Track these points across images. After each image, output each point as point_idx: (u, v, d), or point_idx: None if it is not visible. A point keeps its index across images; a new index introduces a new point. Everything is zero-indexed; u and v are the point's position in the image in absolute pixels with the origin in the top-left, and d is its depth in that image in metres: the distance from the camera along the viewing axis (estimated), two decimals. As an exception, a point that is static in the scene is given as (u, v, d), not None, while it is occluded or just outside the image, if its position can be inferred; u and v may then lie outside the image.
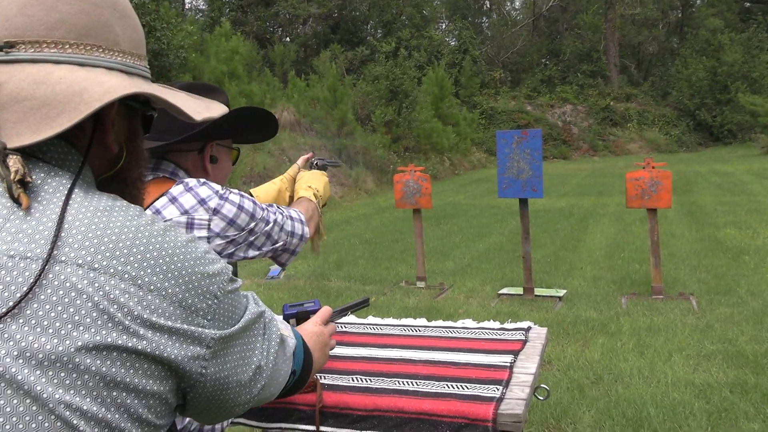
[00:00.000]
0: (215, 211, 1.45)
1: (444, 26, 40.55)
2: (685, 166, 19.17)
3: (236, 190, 1.53)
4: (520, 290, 5.99)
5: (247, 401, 0.86)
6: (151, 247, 0.73)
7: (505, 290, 6.11)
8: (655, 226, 5.67)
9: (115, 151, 0.83)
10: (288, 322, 1.31)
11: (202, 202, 1.45)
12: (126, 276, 0.70)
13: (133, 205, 0.78)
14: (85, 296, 0.67)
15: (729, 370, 4.00)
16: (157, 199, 1.45)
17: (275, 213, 1.59)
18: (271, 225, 1.56)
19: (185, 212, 1.44)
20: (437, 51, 29.36)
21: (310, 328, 1.30)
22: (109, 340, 0.67)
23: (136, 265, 0.71)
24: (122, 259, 0.70)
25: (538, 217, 10.01)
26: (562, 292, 5.92)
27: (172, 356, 0.71)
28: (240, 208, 1.48)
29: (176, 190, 1.46)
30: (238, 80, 15.66)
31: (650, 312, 5.26)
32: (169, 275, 0.73)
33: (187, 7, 34.01)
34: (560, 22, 41.25)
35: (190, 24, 15.55)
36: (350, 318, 2.49)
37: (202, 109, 0.89)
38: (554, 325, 4.93)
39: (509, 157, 5.76)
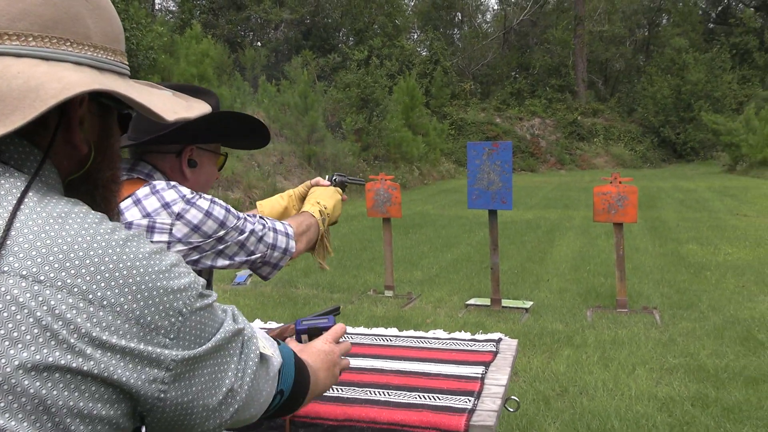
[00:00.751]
0: (179, 216, 1.39)
1: (416, 36, 40.81)
2: (649, 182, 19.56)
3: (208, 196, 1.47)
4: (487, 301, 6.03)
5: (218, 426, 0.79)
6: (107, 259, 0.66)
7: (472, 301, 6.14)
8: (620, 241, 5.76)
9: (85, 150, 0.78)
10: (300, 338, 1.28)
11: (166, 205, 1.40)
12: (75, 290, 0.63)
13: (93, 211, 0.71)
14: (26, 311, 0.61)
15: (690, 384, 4.08)
16: (124, 200, 1.40)
17: (255, 223, 1.53)
18: (246, 235, 1.48)
19: (147, 215, 1.38)
20: (409, 61, 29.53)
21: (319, 345, 1.24)
22: (51, 359, 0.61)
23: (87, 278, 0.64)
24: (72, 271, 0.64)
25: (505, 229, 10.10)
26: (528, 304, 5.98)
27: (124, 378, 0.65)
28: (207, 214, 1.42)
29: (142, 192, 1.41)
30: (207, 83, 15.52)
31: (615, 325, 5.33)
32: (126, 289, 0.66)
33: (157, 8, 33.66)
34: (530, 36, 41.85)
35: (160, 25, 15.38)
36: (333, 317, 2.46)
37: (180, 109, 0.84)
38: (521, 337, 4.97)
39: (480, 168, 5.79)
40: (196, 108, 0.89)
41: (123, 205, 1.39)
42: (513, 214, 11.76)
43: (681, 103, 31.14)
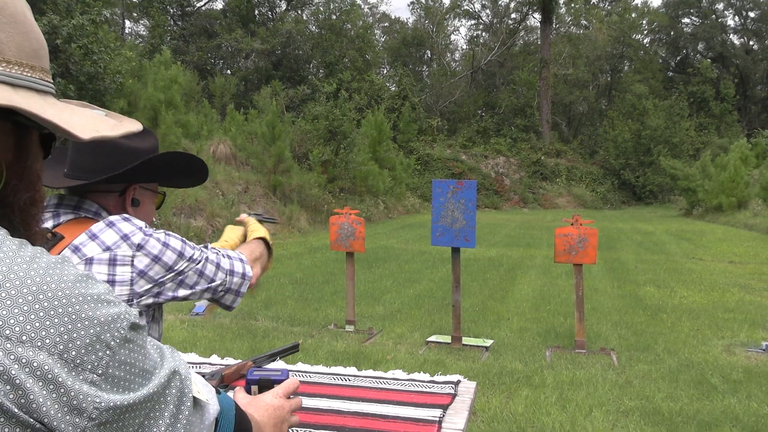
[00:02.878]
0: (139, 247, 1.40)
1: (385, 71, 41.35)
2: (609, 223, 19.95)
3: (161, 230, 1.49)
4: (448, 338, 6.02)
5: None
6: (25, 289, 0.61)
7: (433, 338, 6.13)
8: (580, 282, 5.84)
9: None
10: (249, 389, 1.21)
11: (125, 237, 1.40)
12: None
13: (12, 237, 0.67)
14: None
15: (646, 428, 4.11)
16: (78, 237, 1.40)
17: (210, 252, 1.56)
18: (202, 263, 1.50)
19: (107, 248, 1.38)
20: (377, 95, 29.86)
21: (269, 399, 1.16)
22: None
23: (3, 311, 0.59)
24: None
25: (468, 266, 10.16)
26: (489, 342, 5.99)
27: (46, 420, 0.59)
28: (165, 245, 1.43)
29: (97, 227, 1.41)
30: (175, 109, 15.44)
31: (573, 366, 5.37)
32: (48, 322, 0.60)
33: (127, 32, 33.53)
34: (497, 76, 42.78)
35: (129, 49, 15.28)
36: (278, 364, 2.43)
37: (103, 128, 0.80)
38: (480, 376, 4.97)
39: (444, 206, 5.84)
40: (124, 127, 0.85)
41: (79, 240, 1.39)
42: (476, 252, 11.85)
43: (641, 147, 32.03)
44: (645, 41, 47.29)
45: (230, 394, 1.05)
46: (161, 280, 1.42)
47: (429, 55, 46.59)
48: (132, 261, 1.39)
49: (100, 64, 12.35)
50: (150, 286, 1.41)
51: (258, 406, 1.12)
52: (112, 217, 1.44)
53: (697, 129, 34.76)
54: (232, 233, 2.02)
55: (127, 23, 33.88)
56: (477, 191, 6.07)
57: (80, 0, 12.54)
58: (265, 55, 32.71)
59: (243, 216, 2.05)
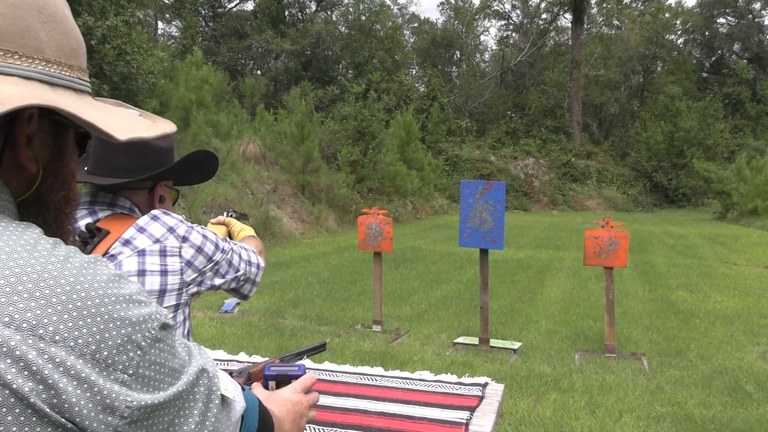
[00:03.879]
0: (184, 239, 1.48)
1: (414, 72, 41.30)
2: (640, 226, 19.65)
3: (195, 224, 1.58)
4: (475, 340, 5.98)
5: None
6: (59, 289, 0.61)
7: (460, 339, 6.09)
8: (610, 285, 5.76)
9: (33, 170, 0.74)
10: (267, 385, 1.21)
11: (171, 230, 1.48)
12: (24, 325, 0.58)
13: (46, 237, 0.67)
14: None
15: (677, 434, 4.03)
16: (128, 230, 1.47)
17: (229, 243, 1.65)
18: (230, 253, 1.60)
19: (157, 240, 1.46)
20: (406, 96, 29.81)
21: (287, 395, 1.16)
22: None
23: (38, 311, 0.59)
24: (21, 305, 0.59)
25: (496, 267, 10.08)
26: (517, 345, 5.93)
27: (78, 419, 0.59)
28: (204, 237, 1.52)
29: (143, 221, 1.49)
30: (205, 109, 15.59)
31: (603, 370, 5.29)
32: (80, 322, 0.61)
33: (159, 33, 34.00)
34: (527, 77, 42.45)
35: (161, 50, 15.48)
36: (305, 362, 2.43)
37: (139, 128, 0.81)
38: (508, 378, 4.93)
39: (472, 207, 5.80)
40: (159, 128, 0.86)
41: (128, 234, 1.46)
42: (504, 253, 11.75)
43: (674, 150, 31.49)
44: (679, 41, 46.53)
45: None
46: (203, 269, 1.52)
47: (458, 56, 46.43)
48: (180, 252, 1.47)
49: (133, 65, 12.52)
50: (195, 275, 1.50)
51: (277, 401, 1.12)
52: (154, 212, 1.52)
53: (731, 131, 34.07)
54: (217, 232, 2.09)
55: (160, 24, 34.36)
56: (506, 192, 6.01)
57: (114, 1, 12.73)
58: (294, 56, 32.91)
59: (221, 218, 2.12)
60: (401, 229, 16.51)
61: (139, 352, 0.65)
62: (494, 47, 49.81)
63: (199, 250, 1.50)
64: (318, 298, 7.88)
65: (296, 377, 1.20)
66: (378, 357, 5.39)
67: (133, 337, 0.65)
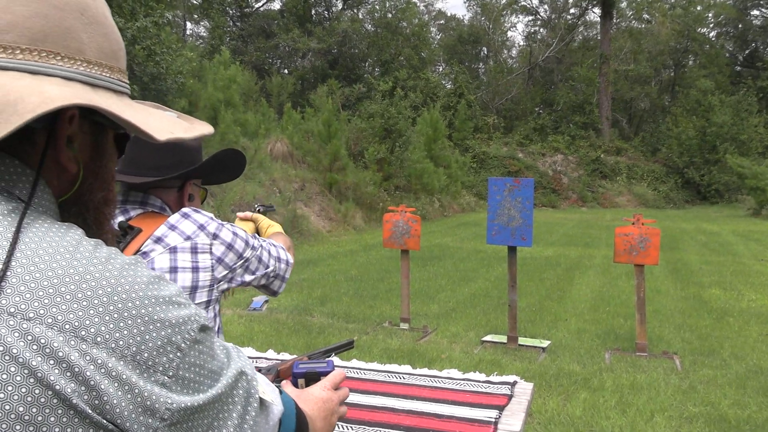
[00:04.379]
0: (215, 236, 1.50)
1: (441, 69, 41.14)
2: (671, 223, 19.34)
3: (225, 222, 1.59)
4: (503, 338, 5.94)
5: None
6: (100, 291, 0.62)
7: (488, 337, 6.06)
8: (641, 283, 5.67)
9: (74, 170, 0.75)
10: (296, 382, 1.18)
11: (201, 227, 1.50)
12: (67, 326, 0.59)
13: (87, 238, 0.68)
14: (15, 351, 0.57)
15: (711, 435, 3.96)
16: (159, 228, 1.50)
17: (258, 239, 1.66)
18: (260, 249, 1.61)
19: (188, 237, 1.48)
20: (433, 93, 29.71)
21: (317, 393, 1.13)
22: (35, 409, 0.57)
23: (80, 312, 0.60)
24: (63, 306, 0.60)
25: (524, 265, 10.00)
26: (546, 343, 5.88)
27: (119, 420, 0.60)
28: (234, 234, 1.54)
29: (174, 218, 1.51)
30: (233, 109, 15.72)
31: (633, 369, 5.22)
32: (121, 323, 0.62)
33: (188, 33, 34.37)
34: (555, 72, 42.01)
35: (189, 50, 15.64)
36: (333, 360, 2.43)
37: (177, 129, 0.81)
38: (537, 377, 4.88)
39: (500, 204, 5.76)
40: (197, 129, 0.86)
41: (160, 232, 1.48)
42: (532, 251, 11.65)
43: (706, 145, 30.89)
44: (711, 35, 45.59)
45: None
46: (234, 266, 1.53)
47: (485, 53, 46.13)
48: (210, 249, 1.49)
49: (162, 65, 12.68)
50: (226, 272, 1.52)
51: (307, 399, 1.10)
52: (185, 210, 1.54)
53: (766, 125, 33.32)
54: (246, 228, 2.08)
55: (188, 25, 34.74)
56: (534, 189, 5.96)
57: (144, 3, 12.90)
58: (321, 54, 33.01)
59: (248, 213, 2.12)
60: (428, 226, 16.47)
61: (179, 354, 0.65)
62: (521, 43, 49.43)
63: (230, 247, 1.52)
64: (345, 296, 7.90)
65: (325, 374, 1.18)
66: (405, 355, 5.38)
67: (173, 338, 0.65)
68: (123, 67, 0.80)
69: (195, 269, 1.46)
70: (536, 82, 41.80)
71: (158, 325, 0.64)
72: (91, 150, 0.77)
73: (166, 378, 0.64)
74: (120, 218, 1.51)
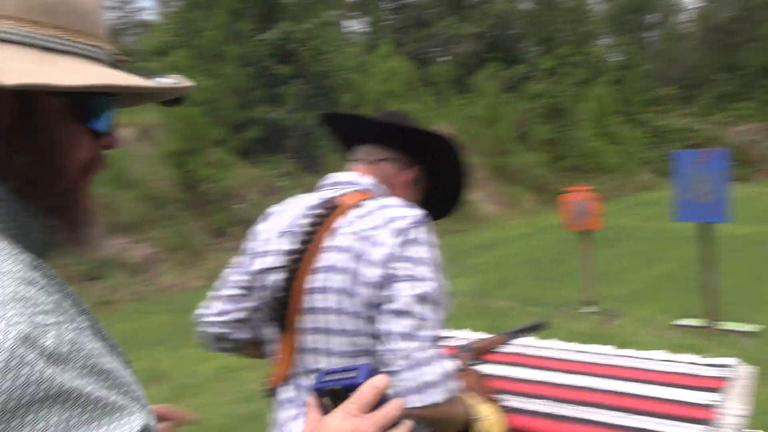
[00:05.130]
0: (413, 230, 1.27)
1: (606, 42, 39.07)
2: None
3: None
4: (700, 322, 5.51)
5: None
6: None
7: (682, 321, 5.65)
8: None
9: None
10: (321, 400, 0.84)
11: (404, 218, 1.30)
12: None
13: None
14: None
15: None
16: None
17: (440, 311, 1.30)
18: (439, 289, 1.28)
19: (391, 220, 1.28)
20: (599, 67, 28.31)
21: (336, 424, 0.76)
22: None
23: None
24: None
25: (717, 244, 9.21)
26: (750, 327, 5.36)
27: None
28: (430, 244, 1.30)
29: (381, 201, 1.35)
30: (397, 99, 16.04)
31: None
32: None
33: (348, 30, 35.63)
34: (737, 34, 38.22)
35: (352, 47, 16.19)
36: (531, 339, 2.39)
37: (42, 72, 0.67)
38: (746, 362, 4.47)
39: (689, 178, 5.35)
40: (125, 79, 0.72)
41: (366, 208, 1.34)
42: (727, 228, 10.69)
43: None
44: None
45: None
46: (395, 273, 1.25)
47: (653, 20, 43.09)
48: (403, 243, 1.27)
49: (329, 63, 13.25)
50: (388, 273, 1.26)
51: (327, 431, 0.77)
52: (393, 198, 1.38)
53: None
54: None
55: (348, 23, 35.98)
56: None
57: (310, 7, 13.53)
58: (478, 39, 32.68)
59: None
60: (604, 207, 15.74)
61: None
62: (695, 5, 45.54)
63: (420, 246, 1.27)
64: (523, 279, 7.76)
65: (354, 387, 0.82)
66: (593, 338, 5.17)
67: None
68: (64, 23, 0.69)
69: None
70: (715, 46, 38.33)
71: None
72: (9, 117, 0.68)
73: None
74: (328, 194, 1.43)
